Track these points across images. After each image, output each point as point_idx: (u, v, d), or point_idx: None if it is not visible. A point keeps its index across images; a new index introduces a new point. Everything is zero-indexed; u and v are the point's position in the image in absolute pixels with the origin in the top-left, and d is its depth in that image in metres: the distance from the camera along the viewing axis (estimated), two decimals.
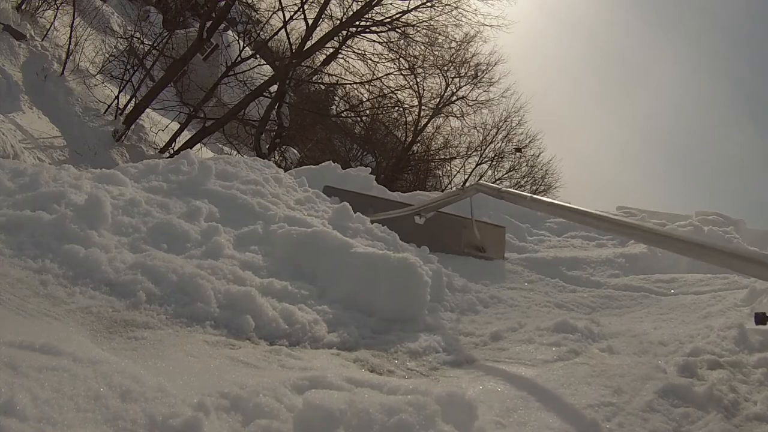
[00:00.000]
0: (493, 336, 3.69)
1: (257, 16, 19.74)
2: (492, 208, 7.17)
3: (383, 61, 18.48)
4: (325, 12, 17.00)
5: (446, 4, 17.54)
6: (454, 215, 6.19)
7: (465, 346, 3.51)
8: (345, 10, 17.18)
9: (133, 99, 15.05)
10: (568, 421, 2.38)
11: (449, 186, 26.01)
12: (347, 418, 1.87)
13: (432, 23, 17.94)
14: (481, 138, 26.03)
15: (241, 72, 16.80)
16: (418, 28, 17.87)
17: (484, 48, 30.66)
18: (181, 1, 21.25)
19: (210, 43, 18.58)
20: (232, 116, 16.10)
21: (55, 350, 1.82)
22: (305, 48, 16.86)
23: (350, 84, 19.02)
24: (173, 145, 15.42)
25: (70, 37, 14.59)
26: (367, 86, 19.10)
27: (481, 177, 26.08)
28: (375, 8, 17.06)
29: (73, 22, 14.73)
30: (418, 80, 21.13)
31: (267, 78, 16.84)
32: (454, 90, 23.79)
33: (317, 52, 17.92)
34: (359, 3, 16.80)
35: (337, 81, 18.95)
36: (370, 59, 18.24)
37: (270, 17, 17.86)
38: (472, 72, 23.41)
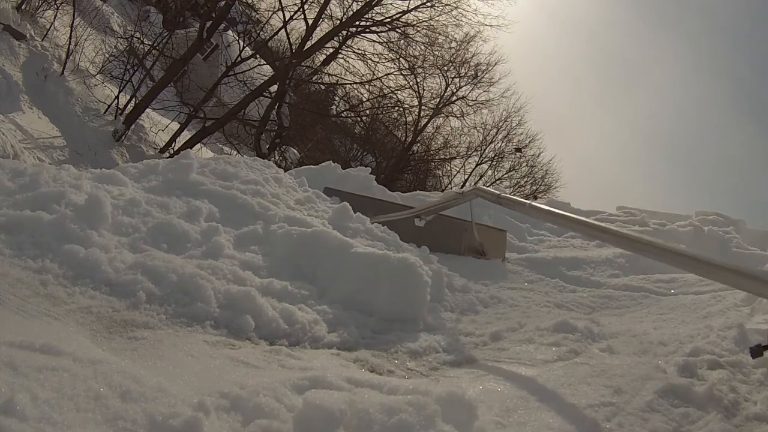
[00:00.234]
0: (493, 336, 3.69)
1: (257, 16, 19.77)
2: (492, 208, 7.17)
3: (383, 61, 18.52)
4: (325, 12, 17.03)
5: (446, 4, 17.57)
6: (455, 218, 6.19)
7: (465, 346, 3.51)
8: (345, 10, 17.21)
9: (133, 99, 15.06)
10: (568, 421, 2.38)
11: (449, 186, 26.01)
12: (347, 418, 1.87)
13: (432, 23, 17.98)
14: (481, 138, 26.07)
15: (241, 72, 16.81)
16: (418, 28, 17.90)
17: (484, 48, 30.74)
18: (181, 1, 21.25)
19: (210, 43, 18.58)
20: (232, 116, 16.11)
21: (55, 350, 1.82)
22: (305, 48, 16.87)
23: (350, 84, 19.05)
24: (173, 145, 15.43)
25: (70, 37, 14.59)
26: (367, 86, 19.13)
27: (481, 177, 26.12)
28: (375, 8, 17.08)
29: (73, 22, 14.74)
30: (418, 80, 21.18)
31: (267, 78, 16.85)
32: (454, 90, 23.84)
33: (317, 52, 17.94)
34: (359, 3, 16.83)
35: (337, 81, 18.97)
36: (370, 59, 18.28)
37: (270, 17, 17.91)
38: (472, 72, 23.45)
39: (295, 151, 20.88)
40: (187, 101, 16.29)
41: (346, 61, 18.51)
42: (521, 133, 26.57)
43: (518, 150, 26.57)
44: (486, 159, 26.61)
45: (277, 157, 18.00)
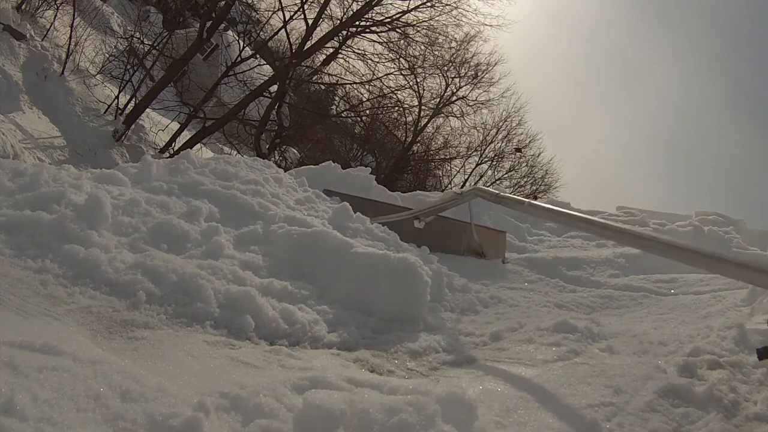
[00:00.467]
0: (493, 336, 3.69)
1: (257, 16, 19.76)
2: (492, 208, 7.17)
3: (383, 61, 18.51)
4: (325, 12, 17.02)
5: (446, 4, 17.56)
6: (455, 219, 6.19)
7: (465, 346, 3.51)
8: (345, 10, 17.21)
9: (133, 99, 15.06)
10: (568, 421, 2.38)
11: (449, 186, 26.00)
12: (347, 418, 1.87)
13: (432, 23, 17.97)
14: (481, 138, 26.06)
15: (241, 72, 16.81)
16: (418, 28, 17.89)
17: (484, 48, 30.73)
18: (181, 1, 21.25)
19: (210, 43, 18.59)
20: (232, 116, 16.10)
21: (55, 350, 1.82)
22: (305, 48, 16.87)
23: (350, 84, 19.04)
24: (173, 145, 15.43)
25: (70, 37, 14.59)
26: (367, 86, 19.13)
27: (481, 177, 26.12)
28: (375, 8, 17.08)
29: (73, 22, 14.74)
30: (418, 80, 21.17)
31: (267, 78, 16.85)
32: (454, 90, 23.83)
33: (317, 52, 17.93)
34: (359, 3, 16.82)
35: (337, 81, 18.97)
36: (370, 59, 18.27)
37: (270, 17, 17.90)
38: (472, 72, 23.44)
39: (295, 151, 20.88)
40: (187, 101, 16.29)
41: (346, 61, 18.52)
42: (521, 133, 26.60)
43: (518, 150, 26.58)
44: (486, 159, 26.63)
45: (277, 157, 18.00)
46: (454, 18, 18.09)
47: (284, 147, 19.01)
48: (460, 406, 2.11)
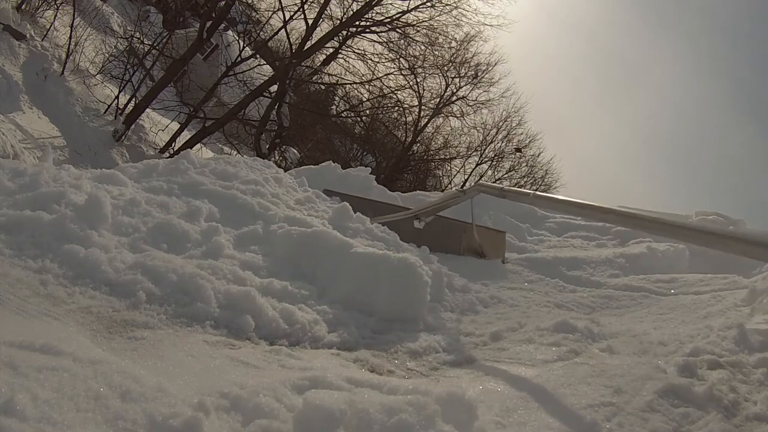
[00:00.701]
0: (493, 336, 3.69)
1: (257, 16, 19.76)
2: (492, 208, 7.18)
3: (383, 61, 18.52)
4: (325, 12, 17.02)
5: (446, 4, 17.56)
6: (455, 219, 6.19)
7: (465, 346, 3.51)
8: (345, 10, 17.21)
9: (133, 99, 15.06)
10: (568, 421, 2.38)
11: (449, 186, 26.03)
12: (347, 418, 1.87)
13: (432, 23, 17.97)
14: (481, 138, 26.09)
15: (241, 72, 16.81)
16: (418, 28, 17.90)
17: (484, 48, 30.73)
18: (181, 1, 21.24)
19: (210, 43, 18.59)
20: (232, 116, 16.11)
21: (55, 350, 1.82)
22: (305, 48, 16.87)
23: (350, 84, 19.05)
24: (173, 145, 15.43)
25: (70, 37, 14.59)
26: (367, 86, 19.13)
27: (481, 177, 26.12)
28: (375, 8, 17.08)
29: (73, 22, 14.74)
30: (418, 80, 21.18)
31: (267, 78, 16.85)
32: (454, 90, 23.84)
33: (317, 52, 17.94)
34: (359, 3, 16.83)
35: (337, 81, 18.97)
36: (370, 59, 18.28)
37: (270, 17, 17.90)
38: (472, 72, 23.45)
39: (295, 151, 20.88)
40: (187, 101, 16.29)
41: (346, 61, 18.53)
42: (521, 133, 26.63)
43: (518, 150, 26.60)
44: (486, 159, 26.66)
45: (277, 157, 18.00)
46: (454, 18, 18.12)
47: (284, 147, 19.01)
48: (460, 406, 2.11)
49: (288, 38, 16.88)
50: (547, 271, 5.74)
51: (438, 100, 23.72)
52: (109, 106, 14.62)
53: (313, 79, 19.11)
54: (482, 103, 24.22)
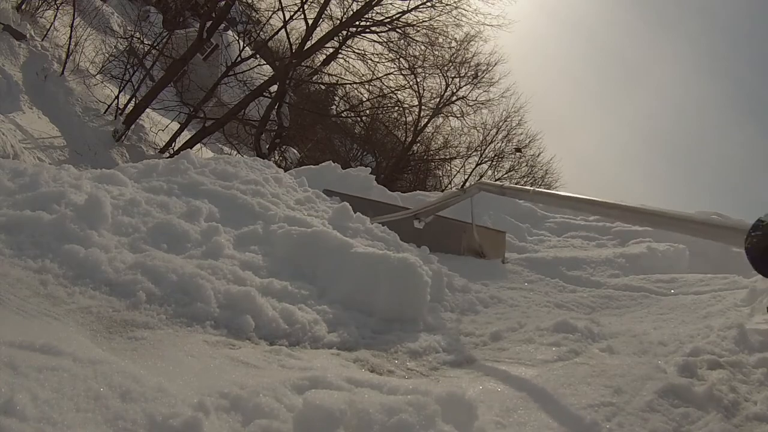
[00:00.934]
0: (493, 336, 3.69)
1: (257, 16, 19.76)
2: (492, 208, 7.18)
3: (383, 61, 18.53)
4: (325, 12, 17.03)
5: (446, 4, 17.57)
6: (455, 219, 6.19)
7: (465, 346, 3.51)
8: (345, 10, 17.22)
9: (133, 99, 15.06)
10: (568, 421, 2.38)
11: (449, 186, 26.03)
12: (347, 418, 1.87)
13: (432, 23, 17.98)
14: (481, 138, 26.10)
15: (241, 72, 16.81)
16: (418, 28, 17.90)
17: (484, 48, 30.77)
18: (181, 1, 21.24)
19: (210, 43, 18.59)
20: (232, 116, 16.11)
21: (55, 350, 1.82)
22: (305, 48, 16.87)
23: (350, 84, 19.06)
24: (173, 145, 15.43)
25: (70, 37, 14.59)
26: (367, 86, 19.14)
27: (481, 177, 26.09)
28: (375, 8, 17.09)
29: (73, 22, 14.74)
30: (418, 80, 21.18)
31: (267, 78, 16.85)
32: (454, 90, 23.84)
33: (317, 52, 17.94)
34: (359, 3, 16.83)
35: (337, 81, 18.98)
36: (370, 59, 18.29)
37: (270, 17, 17.90)
38: (472, 72, 23.46)
39: (295, 151, 20.88)
40: (187, 101, 16.29)
41: (346, 61, 18.54)
42: (521, 133, 26.64)
43: (518, 150, 26.60)
44: (486, 159, 26.67)
45: (277, 157, 18.00)
46: (454, 18, 18.13)
47: (284, 147, 19.01)
48: (460, 406, 2.11)
49: (288, 38, 16.89)
50: (547, 271, 5.73)
51: (438, 100, 23.75)
52: (109, 106, 14.62)
53: (313, 79, 19.12)
54: (482, 103, 24.26)
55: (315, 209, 5.23)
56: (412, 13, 17.54)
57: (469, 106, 24.09)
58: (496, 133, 26.18)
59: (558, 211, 8.12)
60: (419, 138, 25.35)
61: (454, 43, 20.49)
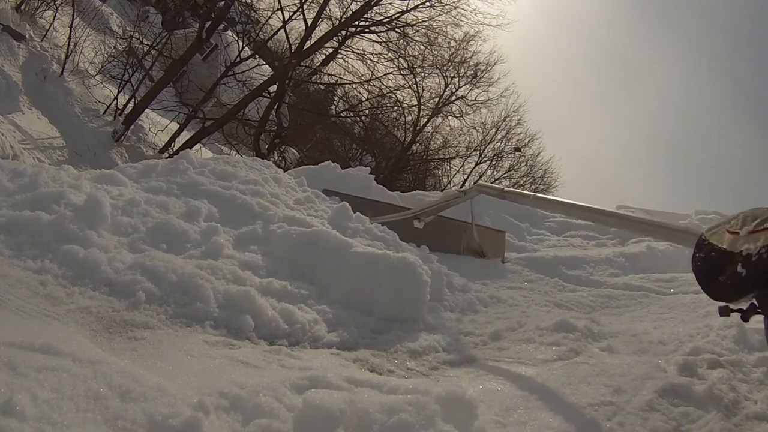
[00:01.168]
0: (493, 335, 3.69)
1: (256, 16, 19.75)
2: (492, 208, 7.18)
3: (382, 60, 18.53)
4: (325, 12, 17.01)
5: (445, 4, 17.57)
6: (455, 219, 6.19)
7: (465, 346, 3.51)
8: (344, 10, 17.21)
9: (133, 99, 15.05)
10: (568, 420, 2.38)
11: (449, 186, 26.02)
12: (347, 417, 1.86)
13: (431, 23, 17.98)
14: (480, 138, 26.08)
15: (241, 72, 16.80)
16: (418, 28, 17.90)
17: (483, 48, 30.66)
18: (180, 1, 21.23)
19: (209, 43, 18.58)
20: (231, 116, 16.10)
21: (54, 350, 1.82)
22: (304, 48, 16.86)
23: (349, 84, 19.05)
24: (173, 145, 15.42)
25: (70, 38, 14.59)
26: (366, 86, 19.14)
27: (480, 177, 26.12)
28: (374, 8, 17.08)
29: (72, 23, 14.74)
30: (418, 80, 21.19)
31: (266, 78, 16.84)
32: (454, 90, 23.83)
33: (316, 52, 17.93)
34: (358, 3, 16.83)
35: (337, 81, 18.97)
36: (370, 59, 18.28)
37: (269, 17, 17.88)
38: (472, 72, 23.44)
39: (295, 151, 20.87)
40: (186, 101, 16.29)
41: (345, 61, 18.54)
42: (520, 133, 26.62)
43: (517, 149, 26.60)
44: (485, 158, 26.65)
45: (276, 157, 17.98)
46: (454, 18, 18.12)
47: (283, 147, 19.01)
48: (460, 406, 2.11)
49: (287, 38, 16.88)
50: (546, 270, 5.73)
51: (437, 99, 23.74)
52: (108, 107, 14.61)
53: (313, 79, 19.12)
54: (481, 103, 24.24)
55: (314, 209, 5.23)
56: (412, 12, 17.55)
57: (469, 105, 24.11)
58: (496, 132, 26.20)
59: None
60: (418, 138, 25.37)
61: (453, 43, 20.51)
